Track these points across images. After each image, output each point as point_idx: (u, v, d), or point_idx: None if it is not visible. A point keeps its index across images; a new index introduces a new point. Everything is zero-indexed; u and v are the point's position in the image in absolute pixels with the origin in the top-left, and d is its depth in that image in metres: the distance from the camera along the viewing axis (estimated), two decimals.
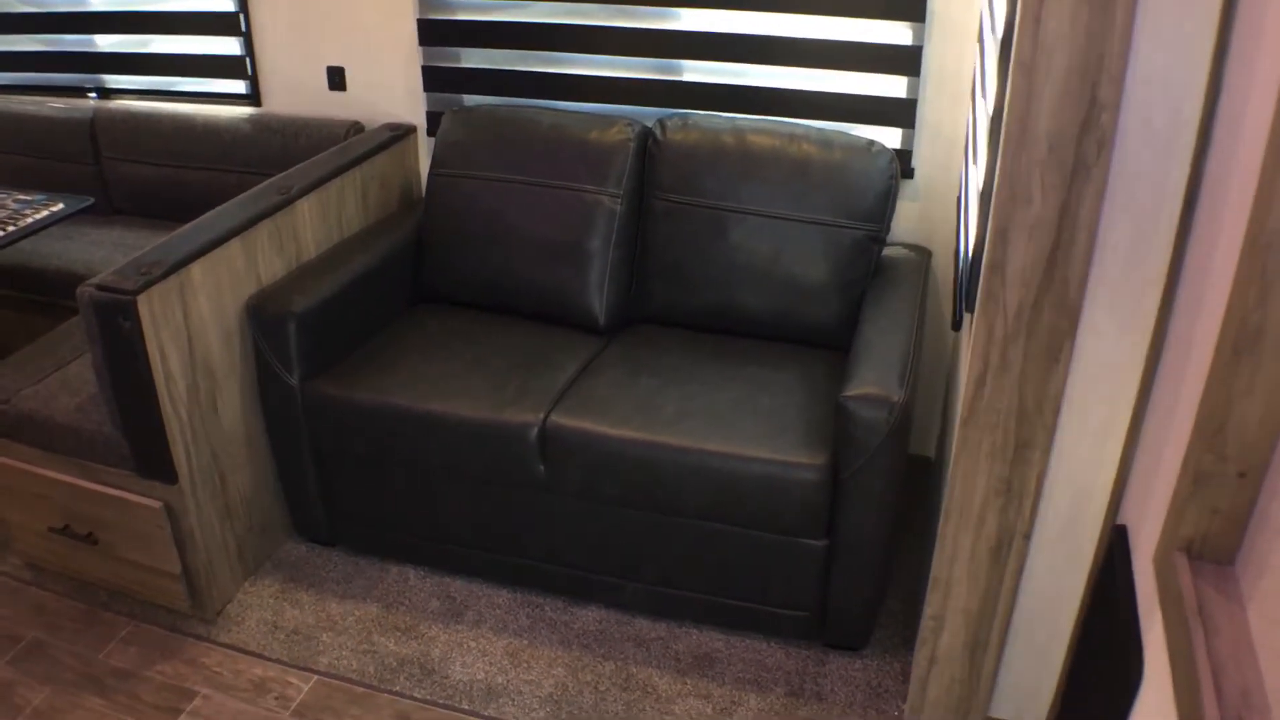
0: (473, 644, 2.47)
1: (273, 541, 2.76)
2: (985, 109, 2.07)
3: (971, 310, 1.92)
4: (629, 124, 2.78)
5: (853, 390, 2.15)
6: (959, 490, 1.90)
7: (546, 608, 2.59)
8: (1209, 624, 1.21)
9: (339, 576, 2.69)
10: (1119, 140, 1.57)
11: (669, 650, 2.45)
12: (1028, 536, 1.92)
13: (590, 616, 2.56)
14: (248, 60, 3.26)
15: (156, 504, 2.38)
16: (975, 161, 2.14)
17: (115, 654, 2.47)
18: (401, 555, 2.71)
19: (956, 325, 2.10)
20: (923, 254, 2.76)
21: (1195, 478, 1.30)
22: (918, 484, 2.98)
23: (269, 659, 2.44)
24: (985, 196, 1.84)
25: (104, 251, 3.12)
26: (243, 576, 2.65)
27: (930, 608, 2.05)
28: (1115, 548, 1.74)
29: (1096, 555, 1.91)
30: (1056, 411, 1.79)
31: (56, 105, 3.47)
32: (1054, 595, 1.98)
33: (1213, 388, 1.26)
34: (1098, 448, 1.82)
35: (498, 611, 2.57)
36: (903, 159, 2.76)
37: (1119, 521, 1.82)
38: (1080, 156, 1.58)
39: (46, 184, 3.47)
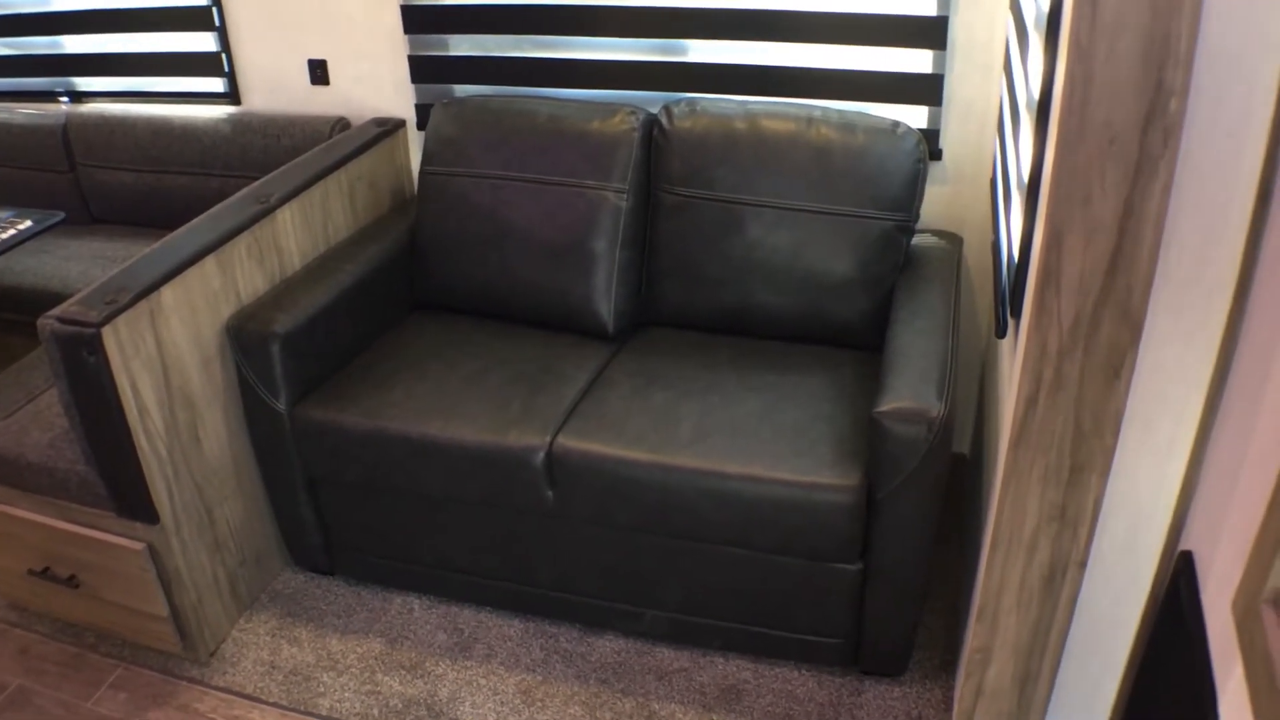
0: (483, 681, 2.31)
1: (268, 573, 2.59)
2: (1026, 89, 1.87)
3: (1018, 317, 1.74)
4: (632, 112, 2.57)
5: (887, 404, 1.95)
6: (1008, 517, 1.72)
7: (561, 638, 2.42)
8: None
9: (339, 609, 2.52)
10: (1187, 129, 1.39)
11: (693, 683, 2.28)
12: (1083, 564, 1.75)
13: (608, 647, 2.39)
14: (224, 56, 3.06)
15: (138, 545, 2.21)
16: (1016, 144, 1.93)
17: (104, 701, 2.31)
18: (405, 584, 2.54)
19: (1001, 332, 1.91)
20: (954, 241, 2.55)
21: None
22: (950, 481, 2.79)
23: (267, 703, 2.29)
24: (1032, 191, 1.64)
25: (81, 266, 2.94)
26: (237, 612, 2.48)
27: (976, 639, 1.87)
28: (1182, 576, 1.57)
29: (1156, 581, 1.74)
30: (1116, 431, 1.61)
31: (27, 111, 3.27)
32: (1109, 624, 1.81)
33: None
34: (1160, 467, 1.64)
35: (509, 644, 2.41)
36: (930, 139, 2.54)
37: (1183, 546, 1.65)
38: (1145, 149, 1.39)
39: (20, 194, 3.28)
